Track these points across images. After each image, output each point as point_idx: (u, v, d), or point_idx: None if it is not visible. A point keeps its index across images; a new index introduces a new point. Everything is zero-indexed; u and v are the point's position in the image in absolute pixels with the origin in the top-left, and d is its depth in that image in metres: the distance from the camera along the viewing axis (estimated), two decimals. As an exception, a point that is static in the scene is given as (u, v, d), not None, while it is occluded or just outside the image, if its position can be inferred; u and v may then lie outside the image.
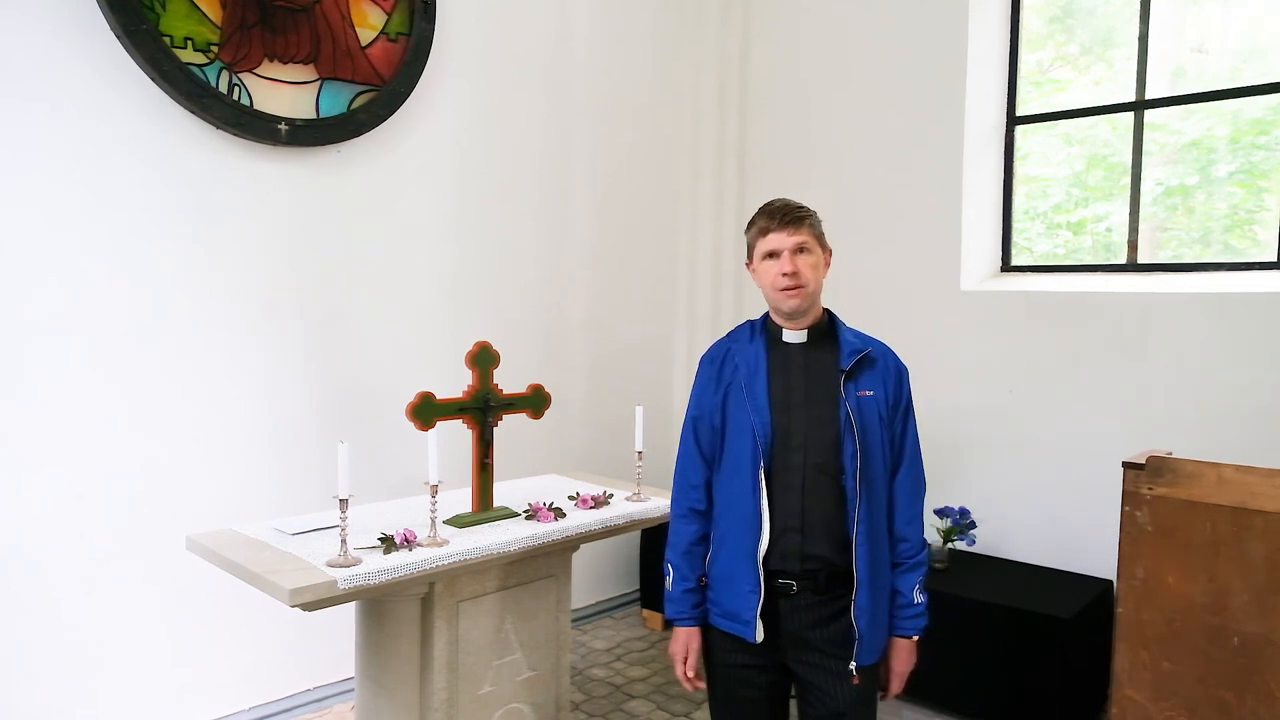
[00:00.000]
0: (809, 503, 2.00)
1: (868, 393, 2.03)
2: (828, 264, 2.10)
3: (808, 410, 2.02)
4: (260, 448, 3.32)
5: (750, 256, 2.11)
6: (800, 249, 2.02)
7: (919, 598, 2.11)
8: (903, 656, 2.13)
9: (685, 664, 2.13)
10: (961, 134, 4.01)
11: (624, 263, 4.58)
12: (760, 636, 2.00)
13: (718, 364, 2.14)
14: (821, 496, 2.00)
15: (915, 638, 2.12)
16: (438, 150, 3.78)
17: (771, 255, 2.04)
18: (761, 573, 1.99)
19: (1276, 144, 3.51)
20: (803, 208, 2.06)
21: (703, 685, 2.17)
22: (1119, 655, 2.56)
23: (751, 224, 2.10)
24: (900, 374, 2.11)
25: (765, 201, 2.12)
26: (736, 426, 2.06)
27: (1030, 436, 3.84)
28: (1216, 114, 3.62)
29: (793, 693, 2.15)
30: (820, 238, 2.08)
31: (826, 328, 2.11)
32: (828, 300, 2.17)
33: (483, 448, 2.68)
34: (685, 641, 2.13)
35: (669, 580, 2.15)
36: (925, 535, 2.17)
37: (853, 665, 2.00)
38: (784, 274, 2.01)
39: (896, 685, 2.14)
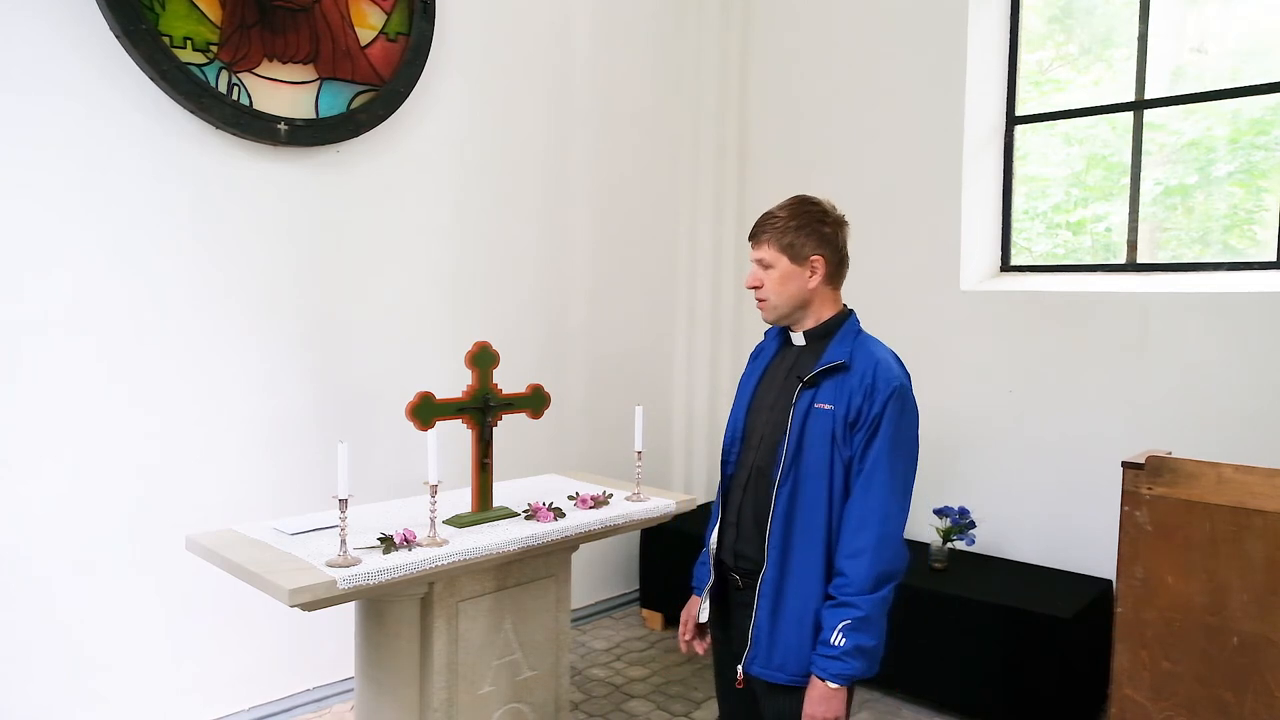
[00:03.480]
0: (745, 502, 2.07)
1: (825, 406, 1.94)
2: (813, 270, 2.01)
3: (771, 413, 2.06)
4: (260, 448, 3.32)
5: None
6: (761, 264, 2.03)
7: (840, 640, 1.85)
8: (812, 697, 1.89)
9: (684, 628, 2.25)
10: (961, 134, 4.01)
11: (624, 263, 4.58)
12: (705, 617, 2.18)
13: (752, 358, 2.25)
14: (757, 499, 2.05)
15: (833, 684, 1.87)
16: (437, 150, 3.78)
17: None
18: (712, 562, 2.15)
19: (1276, 144, 3.51)
20: (772, 218, 2.03)
21: (699, 649, 2.26)
22: (1119, 655, 2.56)
23: None
24: (873, 392, 1.91)
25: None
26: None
27: (1030, 436, 3.84)
28: (1216, 114, 3.62)
29: None
30: (790, 248, 1.99)
31: (827, 333, 2.06)
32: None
33: (482, 448, 2.68)
34: (689, 609, 2.27)
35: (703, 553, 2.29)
36: (895, 566, 1.91)
37: (739, 667, 2.03)
38: (749, 287, 2.08)
39: None
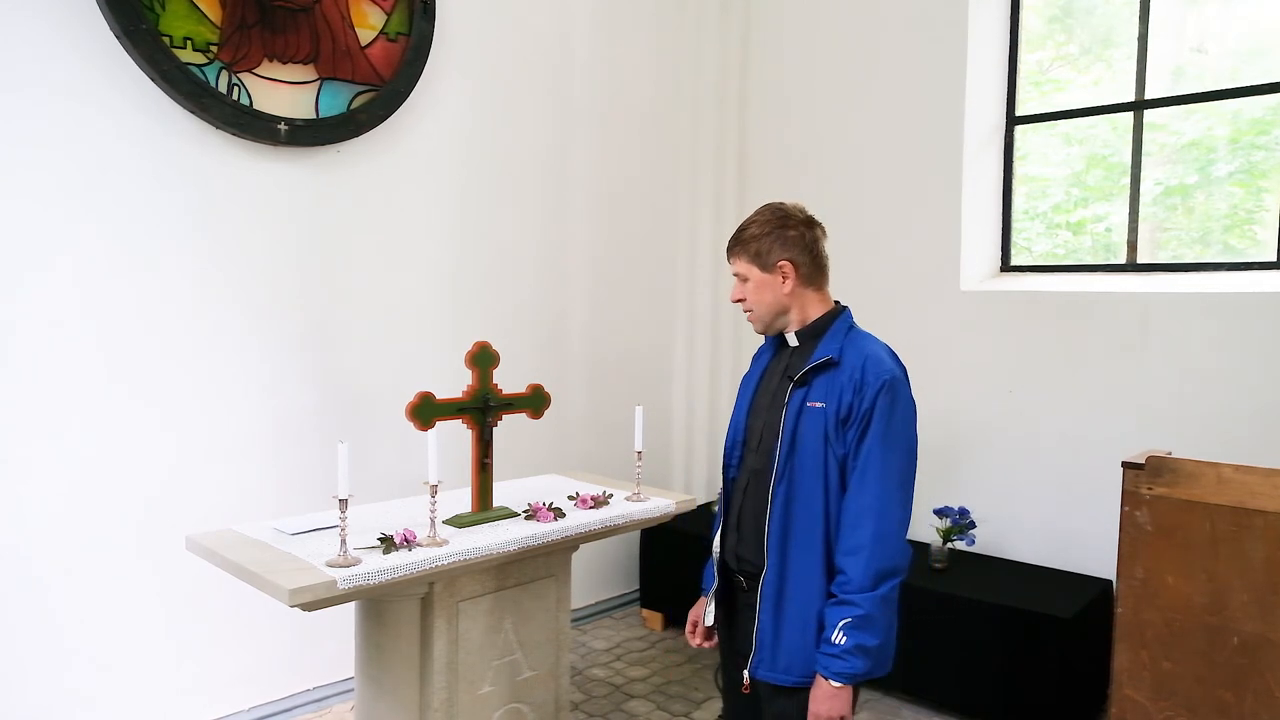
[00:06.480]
0: (745, 505, 2.08)
1: (817, 404, 1.95)
2: (785, 276, 2.02)
3: (767, 415, 2.07)
4: (260, 447, 3.32)
5: None
6: (739, 277, 2.08)
7: (841, 638, 1.84)
8: (817, 696, 1.89)
9: (694, 630, 2.28)
10: (961, 134, 4.01)
11: (624, 263, 4.58)
12: (711, 620, 2.19)
13: (755, 360, 2.25)
14: (756, 501, 2.05)
15: (836, 683, 1.86)
16: (437, 150, 3.78)
17: None
18: (716, 564, 2.17)
19: (1276, 144, 3.51)
20: (741, 230, 2.07)
21: (707, 644, 2.27)
22: (1119, 655, 2.56)
23: None
24: (863, 387, 1.90)
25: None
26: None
27: (1030, 436, 3.84)
28: (1216, 114, 3.61)
29: None
30: (758, 257, 2.02)
31: (817, 331, 2.06)
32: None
33: (482, 448, 2.68)
34: (696, 610, 2.29)
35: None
36: (896, 563, 1.89)
37: (745, 673, 2.03)
38: (733, 302, 2.13)
39: None
